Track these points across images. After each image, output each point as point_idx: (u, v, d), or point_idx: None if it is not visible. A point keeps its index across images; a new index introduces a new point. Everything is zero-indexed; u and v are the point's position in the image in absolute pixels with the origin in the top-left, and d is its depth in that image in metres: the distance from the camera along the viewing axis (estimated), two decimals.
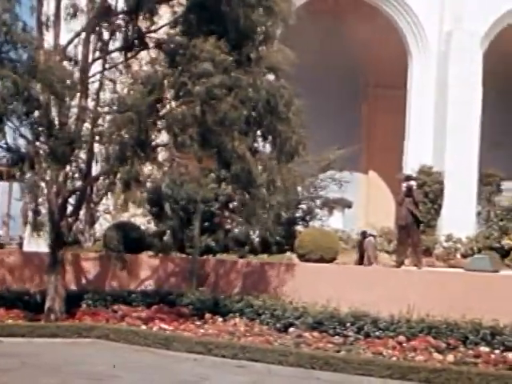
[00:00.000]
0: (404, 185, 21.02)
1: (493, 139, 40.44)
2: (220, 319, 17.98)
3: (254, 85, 17.11)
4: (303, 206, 27.03)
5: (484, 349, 14.84)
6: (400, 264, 20.59)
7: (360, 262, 22.18)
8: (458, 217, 34.61)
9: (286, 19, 17.94)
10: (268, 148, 18.62)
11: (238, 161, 17.04)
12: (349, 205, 33.91)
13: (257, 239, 24.40)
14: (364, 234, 23.34)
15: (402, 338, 15.69)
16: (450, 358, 14.41)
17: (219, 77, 16.32)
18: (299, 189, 25.75)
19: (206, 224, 23.32)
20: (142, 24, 18.54)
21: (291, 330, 16.90)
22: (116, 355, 15.34)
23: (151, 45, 18.53)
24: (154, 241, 23.98)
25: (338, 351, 15.12)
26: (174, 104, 17.38)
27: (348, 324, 16.57)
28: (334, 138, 31.76)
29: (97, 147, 17.96)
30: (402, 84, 39.37)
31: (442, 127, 37.61)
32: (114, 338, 16.93)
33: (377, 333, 16.19)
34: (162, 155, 18.25)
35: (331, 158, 28.59)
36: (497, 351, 14.73)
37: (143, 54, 18.74)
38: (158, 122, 17.33)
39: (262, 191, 17.88)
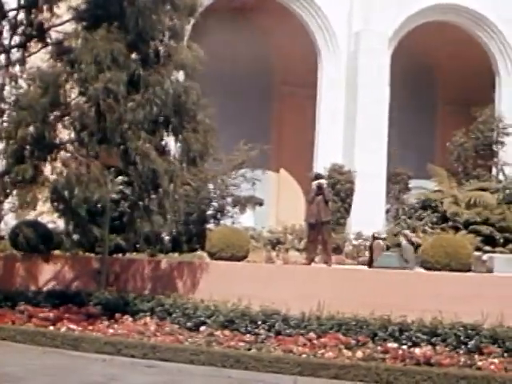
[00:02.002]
0: (314, 183, 21.14)
1: (402, 138, 41.23)
2: (130, 319, 17.75)
3: (160, 83, 16.96)
4: (214, 204, 26.99)
5: (392, 345, 15.04)
6: (310, 262, 20.72)
7: (369, 263, 22.05)
8: (368, 215, 35.16)
9: (192, 14, 17.83)
10: (177, 147, 18.52)
11: (142, 160, 16.90)
12: (260, 203, 34.00)
13: (167, 238, 24.25)
14: (374, 237, 23.17)
15: (312, 335, 15.80)
16: (359, 354, 14.57)
17: (118, 74, 16.10)
18: (210, 187, 25.70)
19: (116, 223, 23.02)
20: (46, 20, 18.17)
21: (202, 328, 16.83)
22: (24, 357, 14.97)
23: (50, 41, 18.16)
24: (62, 240, 23.53)
25: (249, 349, 15.14)
26: (75, 101, 17.10)
27: (259, 322, 16.59)
28: (245, 137, 31.75)
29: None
30: (313, 83, 39.76)
31: (351, 126, 38.15)
32: (21, 340, 16.53)
33: (287, 330, 16.25)
34: (64, 154, 17.91)
35: (244, 157, 28.61)
36: (404, 347, 14.94)
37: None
38: (62, 119, 17.04)
39: (168, 190, 17.77)
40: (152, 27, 17.06)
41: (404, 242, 22.81)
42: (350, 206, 35.39)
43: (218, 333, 16.36)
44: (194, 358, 14.72)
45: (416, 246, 24.64)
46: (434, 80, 46.44)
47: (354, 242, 32.52)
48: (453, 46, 42.34)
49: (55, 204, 18.35)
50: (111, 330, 16.77)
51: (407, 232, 25.02)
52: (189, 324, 17.23)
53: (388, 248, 28.76)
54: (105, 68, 16.18)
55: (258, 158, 30.57)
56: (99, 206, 22.09)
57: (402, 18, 38.97)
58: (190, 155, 18.08)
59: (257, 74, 42.26)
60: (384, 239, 22.86)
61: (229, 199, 28.08)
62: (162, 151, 18.24)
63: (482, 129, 34.37)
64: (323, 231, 20.84)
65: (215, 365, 14.44)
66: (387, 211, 38.28)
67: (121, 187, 21.09)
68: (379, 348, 14.95)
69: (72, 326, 16.99)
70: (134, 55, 16.80)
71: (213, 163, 23.45)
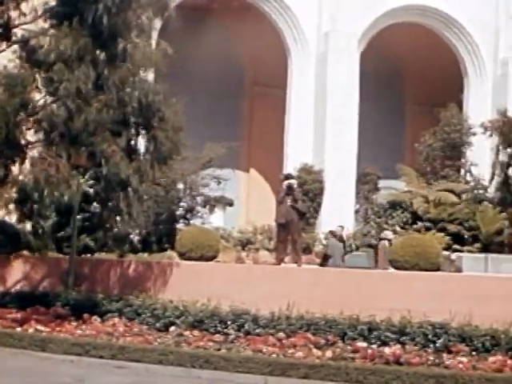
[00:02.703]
0: (284, 183, 21.14)
1: (372, 138, 41.40)
2: (98, 320, 17.63)
3: (127, 82, 16.85)
4: (184, 204, 26.92)
5: (361, 344, 15.08)
6: (280, 262, 20.71)
7: (375, 264, 21.82)
8: (337, 215, 35.24)
9: (162, 12, 17.73)
10: (146, 146, 18.44)
11: (107, 162, 16.80)
12: (230, 203, 33.98)
13: (136, 238, 24.15)
14: (380, 238, 22.93)
15: (281, 334, 15.78)
16: (329, 353, 14.58)
17: (86, 73, 15.98)
18: (180, 186, 25.63)
19: (85, 223, 22.89)
20: (12, 18, 17.94)
21: (172, 329, 16.76)
22: None
23: (16, 40, 17.96)
24: (30, 240, 23.32)
25: (219, 349, 15.07)
26: (43, 101, 16.95)
27: (229, 322, 16.55)
28: (215, 137, 31.78)
29: None
30: (283, 83, 39.79)
31: (321, 126, 38.23)
32: None
33: (257, 330, 16.22)
34: (32, 154, 17.74)
35: (211, 155, 28.57)
36: (374, 346, 14.99)
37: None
38: (30, 119, 16.87)
39: (137, 190, 17.68)
40: (118, 25, 16.92)
41: (331, 238, 22.83)
42: (319, 205, 35.49)
43: (187, 333, 16.31)
44: (162, 359, 14.64)
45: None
46: (403, 81, 46.68)
47: (324, 242, 32.60)
48: (421, 47, 42.58)
49: (19, 205, 18.15)
50: (79, 331, 16.64)
51: (336, 229, 25.03)
52: (158, 324, 17.15)
53: (358, 248, 28.93)
54: (73, 67, 16.03)
55: (228, 158, 30.57)
56: (68, 205, 21.97)
57: (371, 18, 39.14)
58: (160, 154, 17.99)
59: (228, 74, 42.23)
60: (390, 240, 22.47)
61: (199, 199, 28.04)
62: (131, 151, 18.14)
63: (448, 130, 34.58)
64: (293, 231, 20.85)
65: (184, 365, 14.37)
66: (357, 211, 38.43)
67: (90, 189, 20.99)
68: (349, 347, 14.97)
69: (40, 327, 16.83)
70: (100, 53, 16.62)
71: (181, 162, 23.35)
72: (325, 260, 22.84)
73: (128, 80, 16.93)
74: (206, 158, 28.18)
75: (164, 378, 13.68)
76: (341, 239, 24.35)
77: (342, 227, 25.77)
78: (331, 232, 24.67)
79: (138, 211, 18.61)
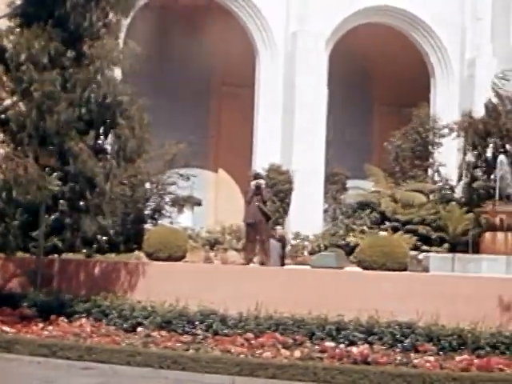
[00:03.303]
0: (253, 183, 21.13)
1: (340, 139, 41.54)
2: (65, 320, 17.48)
3: (93, 81, 16.76)
4: (152, 204, 26.81)
5: (329, 344, 15.12)
6: (249, 261, 20.70)
7: None
8: (306, 215, 35.35)
9: (128, 11, 17.65)
10: (113, 145, 18.36)
11: (75, 161, 16.69)
12: (198, 203, 33.92)
13: (104, 238, 23.99)
14: None
15: (250, 335, 15.78)
16: (297, 353, 14.60)
17: (55, 74, 15.87)
18: (147, 186, 25.51)
19: (53, 223, 22.70)
20: None
21: (139, 329, 16.68)
22: None
23: None
24: None
25: (187, 350, 15.04)
26: (10, 101, 16.82)
27: (197, 322, 16.52)
28: (183, 136, 31.68)
29: None
30: (251, 83, 39.82)
31: (289, 126, 38.30)
32: None
33: (225, 330, 16.21)
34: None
35: (174, 152, 28.39)
36: (342, 346, 15.03)
37: None
38: None
39: (104, 190, 17.59)
40: (85, 24, 16.82)
41: (271, 240, 22.82)
42: (288, 205, 35.53)
43: (155, 333, 16.25)
44: (130, 360, 14.57)
45: (353, 246, 24.86)
46: (371, 81, 46.90)
47: (293, 242, 32.64)
48: (389, 47, 42.80)
49: None
50: (46, 332, 16.52)
51: (276, 229, 25.03)
52: (125, 325, 17.06)
53: (326, 248, 28.99)
54: (42, 68, 15.90)
55: (196, 158, 30.50)
56: (36, 205, 21.77)
57: (339, 19, 39.28)
58: (126, 153, 17.91)
59: (196, 74, 42.14)
60: None
61: (166, 199, 27.94)
62: (98, 150, 18.04)
63: (418, 130, 34.77)
64: (261, 231, 20.85)
65: (152, 366, 14.31)
66: (325, 211, 38.54)
67: (57, 188, 20.82)
68: (317, 347, 15.01)
69: (5, 328, 16.66)
70: (65, 51, 16.51)
71: (149, 161, 23.26)
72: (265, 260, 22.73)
73: (95, 79, 16.82)
74: (169, 155, 27.97)
75: (131, 379, 13.62)
76: (281, 240, 24.29)
77: (283, 228, 25.69)
78: (270, 234, 24.48)
79: (107, 211, 18.52)
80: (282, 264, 23.08)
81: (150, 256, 20.41)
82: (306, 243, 32.11)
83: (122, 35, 19.10)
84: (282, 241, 24.47)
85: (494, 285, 16.48)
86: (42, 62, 15.91)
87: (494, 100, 32.19)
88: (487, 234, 23.67)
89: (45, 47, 15.92)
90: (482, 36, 41.50)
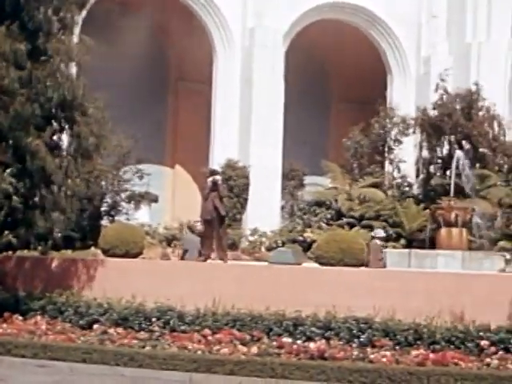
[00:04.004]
0: (209, 179, 21.06)
1: (297, 135, 41.63)
2: (20, 318, 17.29)
3: (50, 77, 16.56)
4: (108, 201, 26.61)
5: (287, 339, 15.12)
6: (206, 258, 20.64)
7: (366, 263, 21.05)
8: (263, 211, 35.39)
9: (83, 7, 17.48)
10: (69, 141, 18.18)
11: (32, 157, 16.51)
12: (155, 199, 33.73)
13: (60, 235, 23.75)
14: (372, 236, 22.17)
15: (207, 331, 15.73)
16: (254, 349, 14.59)
17: (14, 71, 15.66)
18: (103, 182, 25.30)
19: (7, 219, 22.41)
20: None
21: (96, 326, 16.56)
22: None
23: None
24: None
25: (144, 347, 14.96)
26: None
27: (154, 319, 16.44)
28: (140, 132, 31.50)
29: None
30: (209, 79, 39.74)
31: (247, 122, 38.30)
32: None
33: (182, 327, 16.15)
34: None
35: (128, 146, 28.17)
36: (299, 341, 15.05)
37: None
38: None
39: (61, 186, 17.41)
40: (41, 19, 16.62)
41: (188, 233, 22.81)
42: (245, 201, 35.52)
43: (111, 331, 16.14)
44: (86, 357, 14.48)
45: (310, 242, 24.90)
46: (328, 77, 47.07)
47: (250, 238, 32.66)
48: (347, 44, 43.02)
49: None
50: (0, 330, 16.31)
51: (192, 224, 25.03)
52: (81, 322, 16.94)
53: (284, 244, 29.03)
54: (5, 66, 15.72)
55: (153, 153, 30.34)
56: None
57: (297, 14, 39.34)
58: (84, 149, 17.75)
59: (153, 69, 41.96)
60: (381, 239, 21.93)
61: (123, 195, 27.75)
62: (54, 146, 17.85)
63: (383, 124, 34.89)
64: (218, 227, 20.80)
65: (108, 363, 14.24)
66: (283, 207, 38.61)
67: (9, 186, 20.57)
68: (274, 343, 15.01)
69: None
70: (19, 44, 16.30)
71: (107, 158, 23.08)
72: (184, 254, 22.76)
73: (51, 75, 16.63)
74: (126, 149, 27.73)
75: (87, 377, 13.51)
76: (194, 231, 24.25)
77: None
78: (189, 227, 24.50)
79: (64, 208, 18.34)
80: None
81: (106, 253, 20.25)
82: (264, 239, 32.15)
83: (76, 31, 18.86)
84: (193, 231, 24.29)
85: (449, 280, 16.62)
86: (10, 62, 15.72)
87: (445, 97, 32.50)
88: (443, 230, 23.89)
89: (13, 48, 15.74)
90: (438, 34, 41.88)
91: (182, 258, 20.43)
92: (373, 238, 22.02)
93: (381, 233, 22.45)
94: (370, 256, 20.14)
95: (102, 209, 26.10)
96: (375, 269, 19.40)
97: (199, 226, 24.05)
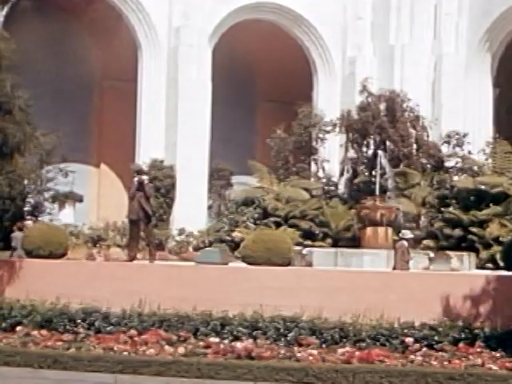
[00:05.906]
0: (135, 179, 20.86)
1: (224, 134, 41.60)
2: None
3: None
4: (31, 201, 26.15)
5: (214, 339, 15.10)
6: (132, 258, 20.45)
7: (394, 266, 20.33)
8: (190, 211, 35.27)
9: (4, 3, 17.14)
10: None
11: None
12: (80, 199, 33.30)
13: None
14: (399, 237, 21.19)
15: (133, 332, 15.59)
16: (181, 350, 14.52)
17: None
18: (25, 181, 24.84)
19: None
20: None
21: (18, 328, 16.25)
22: None
23: None
24: None
25: (68, 349, 14.75)
26: None
27: (78, 320, 16.25)
28: (64, 131, 31.04)
29: None
30: (134, 78, 39.42)
31: (173, 122, 38.11)
32: None
33: (108, 328, 15.98)
34: None
35: (50, 142, 27.72)
36: (226, 341, 15.04)
37: None
38: None
39: None
40: None
41: (16, 231, 22.72)
42: (172, 201, 35.33)
43: (34, 333, 15.87)
44: (9, 360, 14.21)
45: (238, 242, 24.87)
46: (254, 77, 47.15)
47: (177, 238, 32.50)
48: (273, 44, 43.14)
49: None
50: None
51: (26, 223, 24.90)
52: (4, 325, 16.65)
53: (211, 244, 28.94)
54: None
55: (77, 152, 29.93)
56: None
57: (223, 14, 39.29)
58: (7, 147, 17.37)
59: (77, 68, 41.44)
60: (408, 240, 21.05)
61: (46, 195, 27.30)
62: None
63: (304, 125, 35.06)
64: (145, 228, 20.64)
65: (32, 366, 14.00)
66: (210, 207, 38.52)
67: None
68: (201, 343, 14.97)
69: None
70: None
71: (30, 157, 22.64)
72: (12, 253, 22.57)
73: None
74: (48, 145, 27.24)
75: (10, 380, 13.25)
76: (20, 229, 24.08)
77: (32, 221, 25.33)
78: (17, 226, 24.24)
79: None
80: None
81: (29, 254, 19.90)
82: (191, 239, 32.03)
83: None
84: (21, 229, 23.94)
85: (375, 278, 16.79)
86: None
87: (369, 99, 32.86)
88: (368, 229, 24.13)
89: None
90: (363, 35, 42.33)
91: (11, 256, 20.21)
92: (400, 239, 21.12)
93: (408, 234, 21.46)
94: (396, 257, 19.64)
95: (25, 209, 25.61)
96: (302, 268, 19.47)
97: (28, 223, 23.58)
